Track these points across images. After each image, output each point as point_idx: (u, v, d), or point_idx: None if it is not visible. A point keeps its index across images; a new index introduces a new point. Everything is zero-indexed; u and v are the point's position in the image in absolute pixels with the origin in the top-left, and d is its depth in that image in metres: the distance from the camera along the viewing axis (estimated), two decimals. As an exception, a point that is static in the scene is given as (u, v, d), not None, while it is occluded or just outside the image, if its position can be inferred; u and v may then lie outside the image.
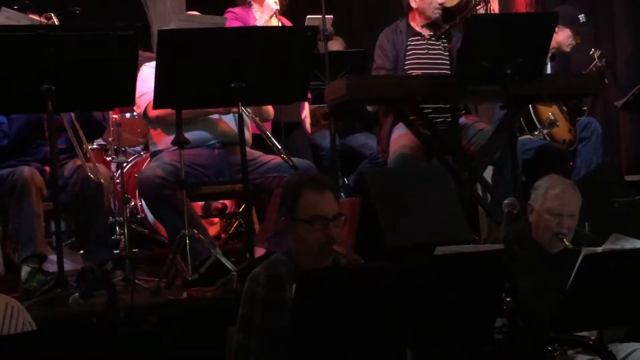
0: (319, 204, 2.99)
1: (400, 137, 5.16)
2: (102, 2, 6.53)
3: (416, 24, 5.37)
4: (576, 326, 3.19)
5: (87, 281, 3.66)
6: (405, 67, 5.28)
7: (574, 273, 2.97)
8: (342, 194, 5.45)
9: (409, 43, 5.32)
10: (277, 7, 5.35)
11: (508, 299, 3.06)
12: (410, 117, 5.09)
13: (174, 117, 4.43)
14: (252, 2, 5.51)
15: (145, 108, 4.71)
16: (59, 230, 4.10)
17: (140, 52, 4.26)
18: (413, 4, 5.35)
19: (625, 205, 4.81)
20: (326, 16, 5.49)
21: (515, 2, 6.94)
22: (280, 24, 5.43)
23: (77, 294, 3.60)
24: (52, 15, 4.54)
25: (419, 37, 5.34)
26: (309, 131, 6.03)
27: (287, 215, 3.05)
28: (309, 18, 5.75)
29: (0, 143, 4.32)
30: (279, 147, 4.67)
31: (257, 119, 4.77)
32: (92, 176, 4.16)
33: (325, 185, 3.04)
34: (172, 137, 4.47)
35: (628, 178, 5.97)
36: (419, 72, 5.23)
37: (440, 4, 5.29)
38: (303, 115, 5.93)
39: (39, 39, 3.80)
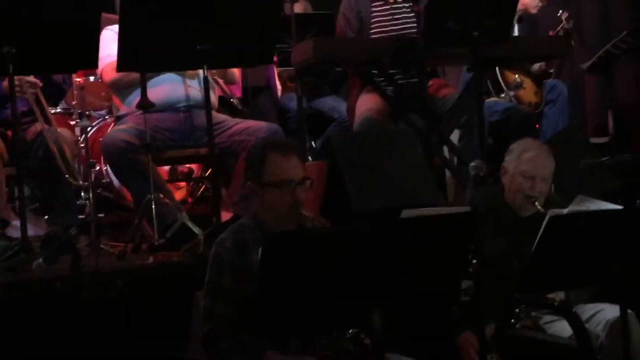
0: (285, 168, 2.98)
1: (366, 100, 5.14)
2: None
3: None
4: (542, 287, 3.21)
5: (51, 246, 3.63)
6: (371, 34, 5.23)
7: (539, 234, 2.99)
8: (309, 157, 5.43)
9: (372, 9, 5.26)
10: None
11: (474, 262, 3.07)
12: (378, 80, 5.07)
13: (127, 81, 4.38)
14: None
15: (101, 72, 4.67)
16: (22, 195, 4.03)
17: (104, 15, 4.20)
18: None
19: (590, 167, 4.85)
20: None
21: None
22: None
23: (40, 260, 3.57)
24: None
25: (383, 2, 5.27)
26: (279, 95, 5.99)
27: (253, 180, 3.05)
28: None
29: None
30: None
31: (221, 81, 4.73)
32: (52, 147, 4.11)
33: (291, 149, 3.03)
34: (132, 100, 4.42)
35: (593, 140, 6.00)
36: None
37: None
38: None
39: (-3, 0, 3.73)
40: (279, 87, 5.99)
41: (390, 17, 5.25)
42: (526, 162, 3.74)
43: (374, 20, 5.25)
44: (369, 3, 5.26)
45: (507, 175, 3.79)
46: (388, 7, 5.27)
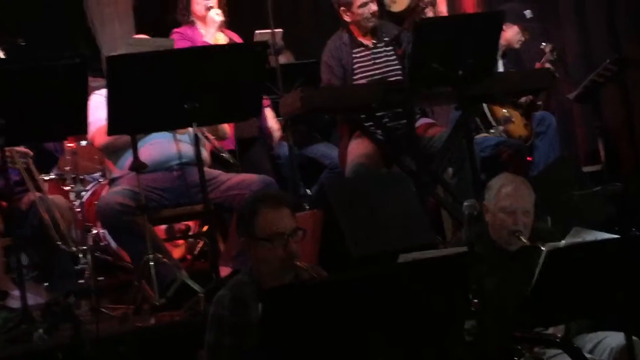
0: (276, 221, 2.98)
1: (356, 146, 5.16)
2: (52, 28, 6.45)
3: (357, 34, 5.37)
4: (543, 322, 3.20)
5: (51, 316, 3.61)
6: (354, 80, 5.28)
7: (538, 270, 2.98)
8: (305, 204, 5.44)
9: (354, 56, 5.33)
10: (221, 18, 5.33)
11: (475, 300, 3.06)
12: (367, 125, 5.10)
13: (118, 144, 4.41)
14: (195, 20, 5.48)
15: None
16: (20, 265, 4.03)
17: (92, 79, 4.23)
18: (347, 19, 5.35)
19: (584, 198, 4.85)
20: (276, 30, 5.49)
21: (463, 3, 7.00)
22: (228, 39, 5.41)
23: (41, 330, 3.56)
24: (-3, 48, 4.50)
25: (363, 48, 5.35)
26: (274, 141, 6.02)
27: (245, 235, 3.04)
28: (258, 33, 5.74)
29: None
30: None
31: (212, 137, 4.75)
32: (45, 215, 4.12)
33: (281, 202, 3.03)
34: (124, 162, 4.43)
35: (585, 169, 6.03)
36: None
37: (372, 14, 5.30)
38: (268, 124, 5.91)
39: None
40: (276, 133, 6.01)
41: (372, 62, 5.31)
42: (506, 197, 3.74)
43: (356, 66, 5.31)
44: (350, 50, 5.32)
45: (489, 213, 3.79)
46: (369, 52, 5.34)
